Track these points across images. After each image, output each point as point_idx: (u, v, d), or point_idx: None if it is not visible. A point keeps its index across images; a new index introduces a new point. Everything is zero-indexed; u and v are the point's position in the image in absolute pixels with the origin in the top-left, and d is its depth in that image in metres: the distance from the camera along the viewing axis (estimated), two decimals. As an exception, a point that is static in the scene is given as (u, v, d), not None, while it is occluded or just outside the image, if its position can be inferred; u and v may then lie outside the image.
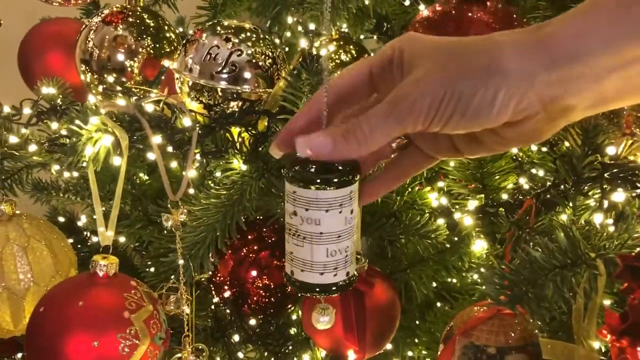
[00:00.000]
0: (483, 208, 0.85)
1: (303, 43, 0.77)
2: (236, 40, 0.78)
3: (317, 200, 0.47)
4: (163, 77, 0.91)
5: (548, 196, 0.72)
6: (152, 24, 1.03)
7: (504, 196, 0.90)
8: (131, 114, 0.69)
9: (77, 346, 0.63)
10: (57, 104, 1.09)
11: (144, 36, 1.01)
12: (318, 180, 0.47)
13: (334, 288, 0.51)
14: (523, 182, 0.91)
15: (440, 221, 0.92)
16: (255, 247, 1.00)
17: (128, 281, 0.70)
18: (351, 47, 1.07)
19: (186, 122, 0.70)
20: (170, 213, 0.70)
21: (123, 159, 0.66)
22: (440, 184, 0.97)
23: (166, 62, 0.89)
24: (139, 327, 0.65)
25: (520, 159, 0.98)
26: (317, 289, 0.51)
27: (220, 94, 0.77)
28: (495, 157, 0.88)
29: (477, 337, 0.72)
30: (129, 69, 1.00)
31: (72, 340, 0.63)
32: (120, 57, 0.99)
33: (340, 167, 0.49)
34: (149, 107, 0.72)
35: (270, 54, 0.78)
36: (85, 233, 1.25)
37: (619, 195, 0.65)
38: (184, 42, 0.82)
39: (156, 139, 0.67)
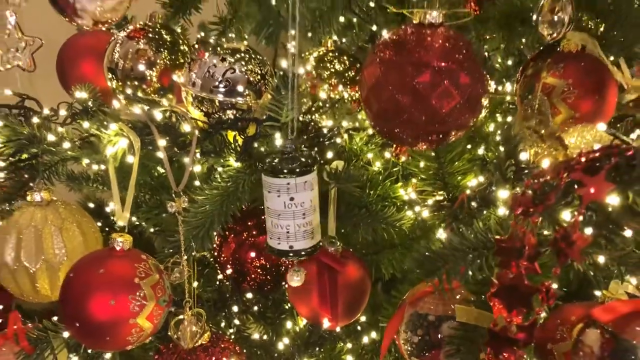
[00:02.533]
0: (440, 203, 1.00)
1: (284, 63, 0.93)
2: (232, 60, 0.95)
3: (266, 183, 0.68)
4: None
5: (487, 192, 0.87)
6: (168, 39, 1.19)
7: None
8: (143, 120, 0.86)
9: (98, 303, 0.81)
10: (88, 106, 1.28)
11: (162, 49, 1.18)
12: (266, 169, 0.69)
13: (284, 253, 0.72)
14: (482, 179, 1.06)
15: (409, 213, 1.07)
16: (254, 232, 1.16)
17: (139, 255, 0.87)
18: (344, 57, 1.23)
19: (187, 127, 0.87)
20: (174, 201, 0.87)
21: (135, 157, 0.83)
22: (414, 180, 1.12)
23: (174, 77, 1.06)
24: (147, 291, 0.83)
25: (486, 159, 1.13)
26: (275, 252, 0.73)
27: (217, 104, 0.94)
28: (454, 158, 1.03)
29: (421, 307, 0.88)
30: (149, 78, 1.17)
31: (94, 299, 0.81)
32: (141, 67, 1.16)
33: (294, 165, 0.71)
34: (158, 115, 0.89)
35: (259, 71, 0.95)
36: (112, 218, 1.43)
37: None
38: (189, 60, 0.99)
39: (162, 142, 0.84)
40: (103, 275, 0.82)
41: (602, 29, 1.04)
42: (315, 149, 0.98)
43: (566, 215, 0.61)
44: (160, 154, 0.86)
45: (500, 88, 1.19)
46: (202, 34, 1.64)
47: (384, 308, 1.06)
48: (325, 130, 1.02)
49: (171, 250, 0.94)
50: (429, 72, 0.83)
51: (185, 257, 0.92)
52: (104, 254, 0.87)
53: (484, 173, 1.09)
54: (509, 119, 1.18)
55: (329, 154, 1.02)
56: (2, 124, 1.18)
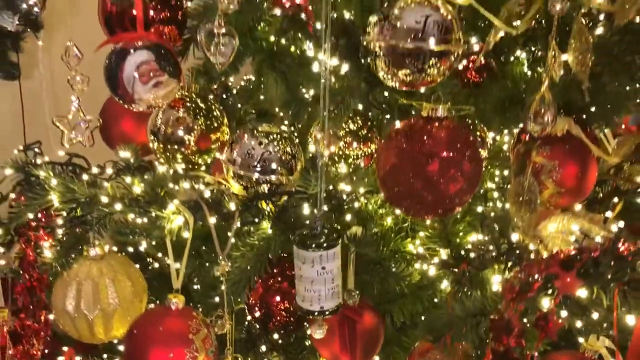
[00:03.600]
0: (445, 261, 1.16)
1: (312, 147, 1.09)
2: (266, 141, 1.11)
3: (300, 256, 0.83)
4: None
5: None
6: (203, 107, 1.35)
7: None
8: (194, 199, 1.02)
9: (158, 357, 0.97)
10: (131, 163, 1.45)
11: (198, 117, 1.34)
12: (301, 243, 0.84)
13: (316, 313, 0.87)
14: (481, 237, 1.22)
15: (417, 266, 1.23)
16: (279, 279, 1.32)
17: (190, 312, 1.03)
18: (357, 117, 1.38)
19: (232, 204, 1.03)
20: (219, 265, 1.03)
21: (190, 233, 0.99)
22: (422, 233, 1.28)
23: (217, 154, 1.22)
24: (198, 345, 0.99)
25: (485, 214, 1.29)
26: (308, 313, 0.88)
27: (255, 180, 1.10)
28: (457, 220, 1.20)
29: (428, 357, 1.04)
30: (187, 142, 1.33)
31: (155, 353, 0.97)
32: (180, 132, 1.32)
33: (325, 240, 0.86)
34: (207, 192, 1.05)
35: (290, 150, 1.11)
36: (147, 259, 1.59)
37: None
38: (231, 141, 1.15)
39: (212, 219, 1.00)
40: (162, 332, 0.98)
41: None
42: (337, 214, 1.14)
43: (546, 302, 0.76)
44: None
45: (498, 138, 1.34)
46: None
47: (395, 352, 1.22)
48: (344, 196, 1.18)
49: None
50: (437, 161, 0.99)
51: (227, 311, 1.08)
52: (162, 312, 1.03)
53: (483, 230, 1.25)
54: (505, 172, 1.34)
55: (348, 217, 1.18)
56: (56, 182, 1.34)
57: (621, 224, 1.05)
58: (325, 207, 1.03)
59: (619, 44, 1.01)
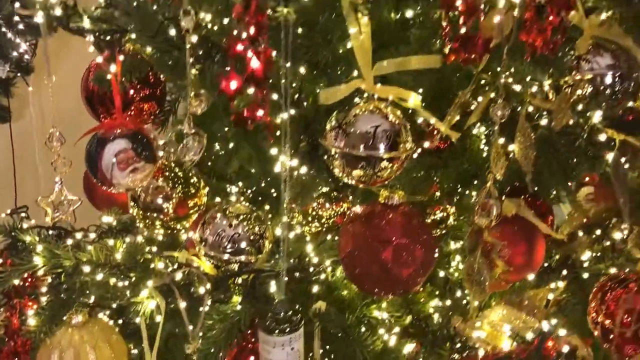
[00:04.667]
0: (407, 328, 1.24)
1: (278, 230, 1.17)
2: (236, 222, 1.19)
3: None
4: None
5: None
6: (181, 175, 1.43)
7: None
8: (167, 283, 1.10)
9: None
10: (114, 227, 1.53)
11: (176, 185, 1.41)
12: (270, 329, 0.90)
13: None
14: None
15: (382, 331, 1.31)
16: (252, 340, 1.40)
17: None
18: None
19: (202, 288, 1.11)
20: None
21: (162, 317, 1.07)
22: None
23: (190, 233, 1.30)
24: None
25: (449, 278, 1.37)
26: None
27: (224, 260, 1.18)
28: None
29: None
30: (166, 209, 1.40)
31: None
32: (159, 201, 1.39)
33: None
34: (179, 275, 1.13)
35: (258, 230, 1.19)
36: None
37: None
38: (203, 221, 1.23)
39: (183, 304, 1.08)
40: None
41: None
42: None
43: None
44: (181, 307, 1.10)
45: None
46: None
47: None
48: (311, 268, 1.26)
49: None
50: (391, 248, 1.07)
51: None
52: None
53: (445, 296, 1.33)
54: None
55: (315, 288, 1.26)
56: (42, 247, 1.41)
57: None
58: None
59: (558, 143, 1.10)
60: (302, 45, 1.02)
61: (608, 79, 1.10)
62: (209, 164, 1.56)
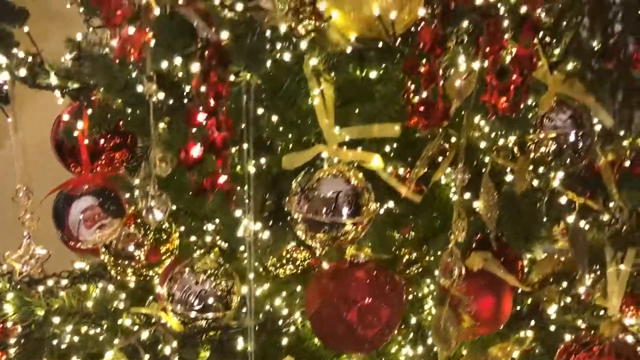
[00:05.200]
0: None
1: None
2: (204, 277, 1.19)
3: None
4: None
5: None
6: (154, 222, 1.43)
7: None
8: (132, 343, 1.10)
9: None
10: (86, 272, 1.52)
11: (148, 232, 1.41)
12: None
13: None
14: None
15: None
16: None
17: None
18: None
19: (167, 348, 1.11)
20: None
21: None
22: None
23: (158, 289, 1.29)
24: None
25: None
26: None
27: (192, 317, 1.18)
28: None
29: None
30: (137, 257, 1.40)
31: None
32: (131, 248, 1.39)
33: None
34: (145, 334, 1.13)
35: (226, 286, 1.19)
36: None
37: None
38: (170, 276, 1.23)
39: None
40: None
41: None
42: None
43: None
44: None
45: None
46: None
47: None
48: (280, 322, 1.26)
49: None
50: (356, 309, 1.07)
51: None
52: None
53: (417, 343, 1.33)
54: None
55: (284, 340, 1.26)
56: (12, 295, 1.41)
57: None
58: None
59: (521, 203, 1.11)
60: (266, 108, 1.02)
61: (571, 137, 1.11)
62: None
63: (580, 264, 1.09)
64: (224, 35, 0.91)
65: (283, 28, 0.97)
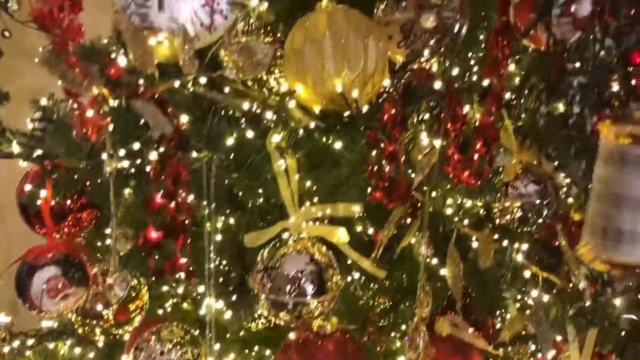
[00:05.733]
0: None
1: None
2: (170, 346, 1.17)
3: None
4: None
5: None
6: (122, 279, 1.41)
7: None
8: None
9: None
10: (54, 329, 1.50)
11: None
12: None
13: None
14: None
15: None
16: None
17: None
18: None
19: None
20: None
21: None
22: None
23: (124, 356, 1.28)
24: None
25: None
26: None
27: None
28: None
29: None
30: (106, 316, 1.38)
31: None
32: (99, 307, 1.37)
33: None
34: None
35: (192, 355, 1.18)
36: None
37: None
38: (136, 345, 1.21)
39: None
40: None
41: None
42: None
43: None
44: None
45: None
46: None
47: None
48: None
49: None
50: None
51: None
52: None
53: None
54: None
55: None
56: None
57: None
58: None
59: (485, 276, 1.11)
60: (230, 185, 1.02)
61: (536, 205, 1.12)
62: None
63: (542, 342, 1.09)
64: (184, 119, 0.91)
65: (246, 105, 0.97)
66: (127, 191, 1.18)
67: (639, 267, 0.64)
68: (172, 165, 0.87)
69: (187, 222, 0.90)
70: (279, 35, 1.13)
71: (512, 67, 1.22)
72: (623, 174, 0.61)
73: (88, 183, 1.29)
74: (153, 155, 0.83)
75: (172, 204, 0.89)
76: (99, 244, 1.35)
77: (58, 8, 1.03)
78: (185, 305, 1.31)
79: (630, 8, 0.96)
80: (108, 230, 1.25)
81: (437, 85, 0.95)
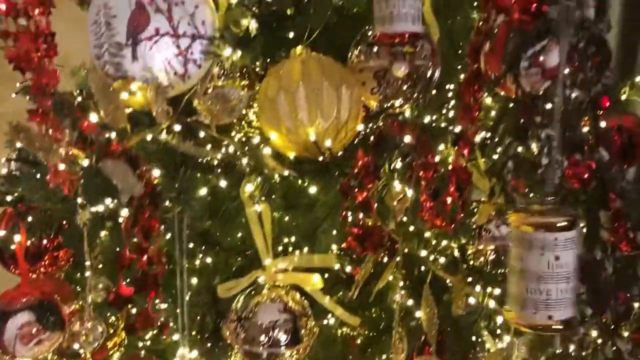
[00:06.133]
0: None
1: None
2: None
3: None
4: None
5: None
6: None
7: None
8: None
9: None
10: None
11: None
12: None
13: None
14: None
15: None
16: None
17: None
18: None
19: None
20: None
21: None
22: None
23: None
24: None
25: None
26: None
27: None
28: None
29: None
30: (83, 355, 1.37)
31: None
32: (76, 346, 1.35)
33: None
34: None
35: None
36: None
37: None
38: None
39: None
40: None
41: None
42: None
43: None
44: None
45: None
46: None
47: None
48: None
49: None
50: None
51: None
52: None
53: None
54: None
55: None
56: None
57: None
58: None
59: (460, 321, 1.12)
60: (204, 232, 1.02)
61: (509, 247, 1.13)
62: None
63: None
64: (156, 172, 0.91)
65: (219, 155, 0.97)
66: (103, 233, 1.18)
67: (553, 326, 0.81)
68: (144, 219, 0.87)
69: (158, 277, 0.90)
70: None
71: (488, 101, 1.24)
72: (529, 254, 0.79)
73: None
74: (124, 212, 0.83)
75: (144, 258, 0.89)
76: (78, 275, 1.35)
77: (34, 50, 1.04)
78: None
79: (596, 58, 0.98)
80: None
81: (408, 136, 0.96)
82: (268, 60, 1.10)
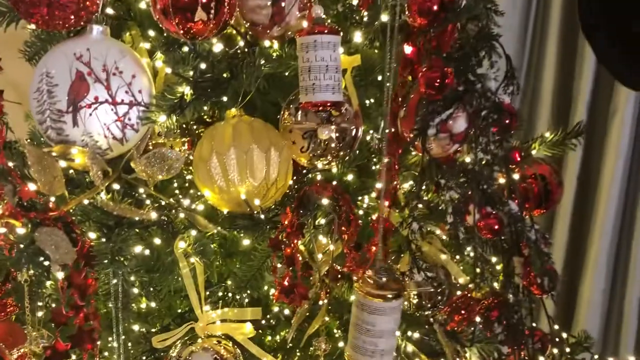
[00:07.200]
0: None
1: None
2: None
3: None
4: None
5: None
6: None
7: None
8: None
9: None
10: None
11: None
12: None
13: None
14: None
15: None
16: None
17: None
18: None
19: None
20: None
21: None
22: None
23: None
24: None
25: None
26: None
27: None
28: None
29: None
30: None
31: None
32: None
33: None
34: None
35: None
36: None
37: None
38: None
39: None
40: None
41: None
42: None
43: None
44: None
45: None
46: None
47: None
48: None
49: None
50: None
51: None
52: None
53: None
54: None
55: None
56: None
57: None
58: None
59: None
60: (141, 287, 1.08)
61: (429, 292, 1.22)
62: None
63: None
64: (92, 235, 0.98)
65: (154, 215, 1.04)
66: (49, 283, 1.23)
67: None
68: (79, 280, 0.94)
69: (94, 333, 0.96)
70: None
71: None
72: (364, 314, 1.02)
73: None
74: (60, 275, 0.90)
75: (81, 315, 0.95)
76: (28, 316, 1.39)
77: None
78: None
79: (496, 126, 1.09)
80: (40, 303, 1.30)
81: (328, 195, 1.04)
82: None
